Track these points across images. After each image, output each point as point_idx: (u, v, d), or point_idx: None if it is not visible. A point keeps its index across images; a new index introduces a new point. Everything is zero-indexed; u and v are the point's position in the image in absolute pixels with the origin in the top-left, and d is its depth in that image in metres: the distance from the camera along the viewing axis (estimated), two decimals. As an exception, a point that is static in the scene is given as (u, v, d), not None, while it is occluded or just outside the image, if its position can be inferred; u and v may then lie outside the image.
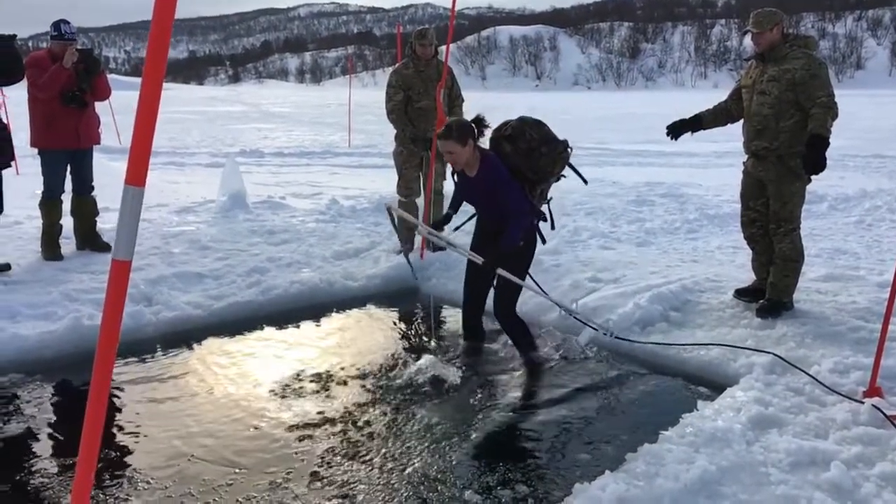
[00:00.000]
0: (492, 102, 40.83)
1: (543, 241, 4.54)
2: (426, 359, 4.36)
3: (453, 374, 4.23)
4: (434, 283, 5.90)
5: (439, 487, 3.12)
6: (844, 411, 3.47)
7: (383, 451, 3.42)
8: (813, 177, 4.65)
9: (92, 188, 6.34)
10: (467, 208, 4.60)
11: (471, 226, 4.74)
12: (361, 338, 5.02)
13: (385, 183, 9.98)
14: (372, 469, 3.25)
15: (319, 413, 3.78)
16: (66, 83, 5.87)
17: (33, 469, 3.23)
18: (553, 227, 4.60)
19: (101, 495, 3.00)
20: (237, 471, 3.22)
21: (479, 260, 4.21)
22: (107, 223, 6.76)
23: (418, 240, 6.41)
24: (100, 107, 6.45)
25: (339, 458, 3.35)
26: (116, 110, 14.50)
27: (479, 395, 4.05)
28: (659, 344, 4.56)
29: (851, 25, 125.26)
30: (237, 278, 5.71)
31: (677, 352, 4.47)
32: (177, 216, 8.08)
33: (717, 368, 4.26)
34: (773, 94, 4.62)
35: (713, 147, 15.75)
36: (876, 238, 7.49)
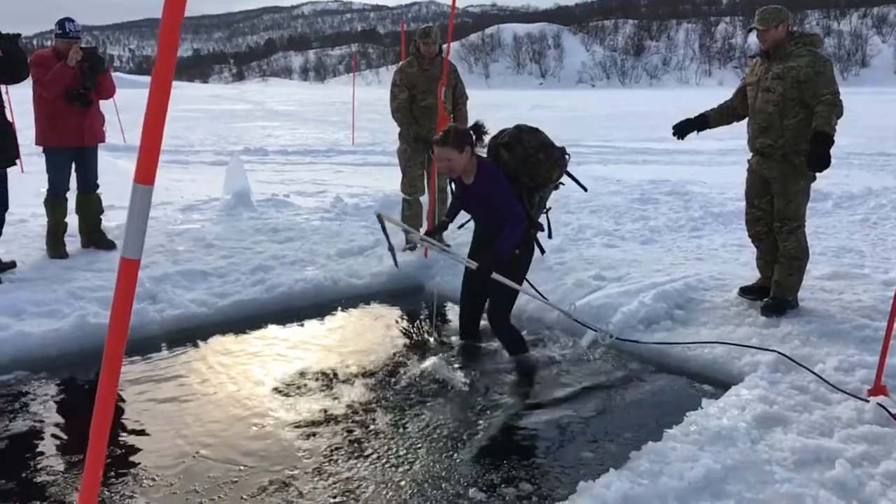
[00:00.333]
0: (496, 100, 40.87)
1: (542, 252, 4.52)
2: (431, 357, 4.35)
3: (457, 373, 4.23)
4: (438, 281, 5.90)
5: (443, 485, 3.12)
6: (849, 410, 3.46)
7: (388, 448, 3.42)
8: (817, 174, 4.65)
9: (97, 186, 6.35)
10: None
11: (471, 226, 4.72)
12: (366, 336, 5.02)
13: (389, 181, 9.98)
14: (377, 466, 3.26)
15: (324, 411, 3.79)
16: (71, 81, 5.88)
17: (38, 466, 3.24)
18: (550, 237, 4.57)
19: (107, 492, 3.00)
20: (242, 468, 3.23)
21: (473, 266, 4.21)
22: (111, 221, 6.78)
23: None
24: (104, 105, 6.45)
25: (343, 455, 3.35)
26: (121, 108, 14.52)
27: (483, 394, 4.05)
28: (661, 343, 4.55)
29: (856, 23, 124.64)
30: (241, 276, 5.72)
31: (681, 350, 4.46)
32: (181, 214, 8.09)
33: (722, 367, 4.25)
34: (777, 92, 4.61)
35: (718, 145, 15.71)
36: (881, 236, 7.46)
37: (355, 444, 3.45)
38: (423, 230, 6.48)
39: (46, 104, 5.91)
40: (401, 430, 3.61)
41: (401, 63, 6.65)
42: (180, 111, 29.94)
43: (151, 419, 3.72)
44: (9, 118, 5.78)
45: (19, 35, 5.62)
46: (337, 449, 3.41)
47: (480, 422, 3.71)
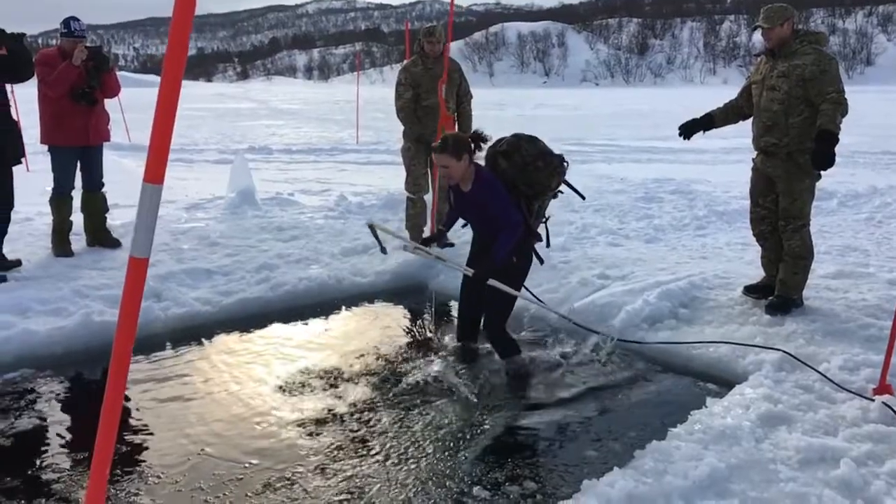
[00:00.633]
0: (500, 99, 40.82)
1: (541, 262, 4.51)
2: (434, 356, 4.35)
3: (461, 373, 4.23)
4: (442, 279, 5.90)
5: (448, 483, 3.13)
6: (854, 409, 3.45)
7: (392, 446, 3.43)
8: (822, 173, 4.63)
9: (102, 185, 6.37)
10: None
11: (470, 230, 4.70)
12: (370, 334, 5.03)
13: (393, 179, 9.99)
14: (381, 465, 3.27)
15: (328, 409, 3.79)
16: (76, 80, 5.90)
17: (44, 464, 3.26)
18: (548, 246, 4.55)
19: (113, 490, 3.01)
20: (247, 466, 3.24)
21: (469, 272, 4.19)
22: (117, 220, 6.79)
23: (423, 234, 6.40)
24: (109, 104, 6.47)
25: (348, 453, 3.36)
26: (126, 107, 14.57)
27: (488, 392, 4.05)
28: (664, 343, 4.55)
29: (861, 21, 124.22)
30: (246, 275, 5.73)
31: (686, 349, 4.46)
32: (186, 212, 8.11)
33: (726, 365, 4.25)
34: (782, 90, 4.60)
35: (722, 143, 15.67)
36: (886, 235, 7.44)
37: (360, 443, 3.46)
38: (426, 230, 6.49)
39: (52, 103, 5.93)
40: (405, 428, 3.62)
41: (405, 62, 6.65)
42: (185, 110, 29.94)
43: (156, 417, 3.74)
44: (14, 117, 5.80)
45: (24, 34, 5.64)
46: (341, 447, 3.42)
47: (485, 420, 3.72)
